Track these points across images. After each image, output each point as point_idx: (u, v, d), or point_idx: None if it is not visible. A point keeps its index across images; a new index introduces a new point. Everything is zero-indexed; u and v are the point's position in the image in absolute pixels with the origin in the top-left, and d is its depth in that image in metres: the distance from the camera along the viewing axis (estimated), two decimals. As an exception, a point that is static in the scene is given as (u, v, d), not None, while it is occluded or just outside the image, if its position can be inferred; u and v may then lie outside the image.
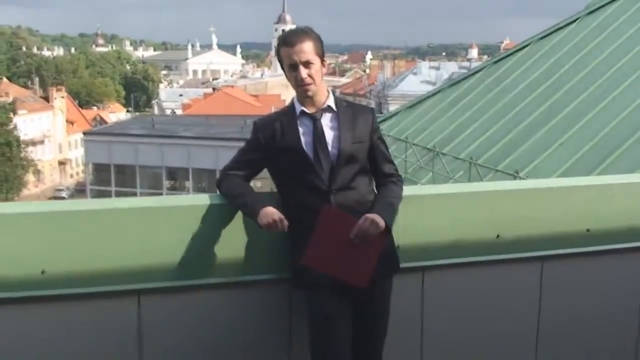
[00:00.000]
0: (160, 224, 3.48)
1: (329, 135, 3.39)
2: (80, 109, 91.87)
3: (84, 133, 67.23)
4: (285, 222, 3.28)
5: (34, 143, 72.92)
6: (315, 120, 3.40)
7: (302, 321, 3.54)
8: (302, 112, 3.42)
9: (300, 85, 3.36)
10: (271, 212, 3.29)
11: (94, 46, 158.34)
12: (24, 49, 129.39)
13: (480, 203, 3.94)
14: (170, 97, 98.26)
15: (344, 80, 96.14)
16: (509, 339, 4.08)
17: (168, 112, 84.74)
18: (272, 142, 3.42)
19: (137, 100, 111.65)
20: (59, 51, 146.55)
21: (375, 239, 3.28)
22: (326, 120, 3.41)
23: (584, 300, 4.17)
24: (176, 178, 58.93)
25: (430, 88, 52.99)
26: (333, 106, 3.44)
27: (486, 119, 11.00)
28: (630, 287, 4.29)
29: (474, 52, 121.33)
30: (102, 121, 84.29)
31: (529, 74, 11.48)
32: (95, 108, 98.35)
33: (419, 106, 12.58)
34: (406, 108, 13.11)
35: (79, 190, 69.01)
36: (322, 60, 3.39)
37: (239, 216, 3.50)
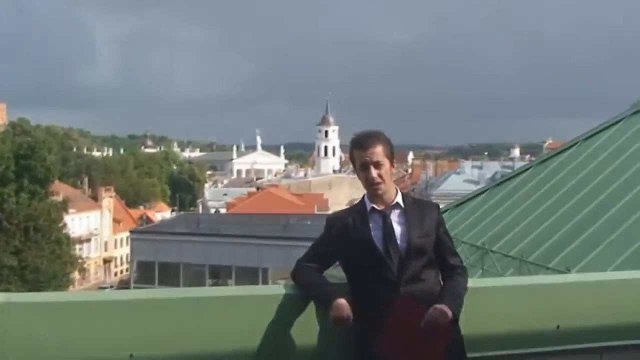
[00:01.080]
0: (238, 312, 3.71)
1: (398, 230, 3.63)
2: (127, 208, 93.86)
3: (131, 231, 68.49)
4: (351, 319, 3.50)
5: (81, 241, 74.31)
6: (385, 216, 3.65)
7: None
8: (373, 208, 3.68)
9: (370, 185, 3.64)
10: (343, 307, 3.50)
11: (142, 147, 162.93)
12: (74, 149, 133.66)
13: (540, 295, 4.12)
14: (215, 196, 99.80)
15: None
16: None
17: (212, 211, 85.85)
18: (344, 236, 3.67)
19: (182, 200, 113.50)
20: (109, 152, 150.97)
21: (444, 328, 3.47)
22: (395, 216, 3.67)
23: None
24: (219, 276, 59.17)
25: (473, 187, 53.08)
26: (401, 203, 3.69)
27: (535, 217, 11.15)
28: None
29: (516, 152, 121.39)
30: (148, 220, 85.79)
31: (576, 173, 11.68)
32: (141, 207, 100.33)
33: (466, 205, 12.81)
34: (453, 206, 13.33)
35: (121, 289, 69.65)
36: (392, 162, 3.68)
37: (311, 306, 3.73)
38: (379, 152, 3.62)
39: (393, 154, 3.70)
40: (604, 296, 4.24)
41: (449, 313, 3.46)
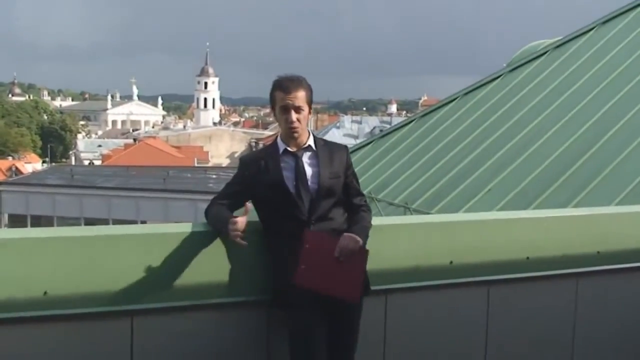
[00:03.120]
0: (152, 250, 3.79)
1: (309, 171, 3.82)
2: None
3: (0, 183, 65.38)
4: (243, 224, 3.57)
5: (-56, 193, 70.28)
6: (297, 158, 3.82)
7: (279, 339, 3.90)
8: (285, 150, 3.84)
9: (289, 127, 3.78)
10: (236, 220, 3.59)
11: (10, 95, 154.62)
12: None
13: (436, 232, 4.43)
14: (89, 147, 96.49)
15: (267, 132, 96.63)
16: (462, 357, 4.54)
17: (86, 162, 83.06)
18: (256, 177, 3.82)
19: (53, 151, 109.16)
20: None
21: (358, 257, 3.70)
22: (306, 158, 3.84)
23: (526, 320, 4.68)
24: (95, 229, 57.48)
25: (353, 141, 54.13)
26: (313, 145, 3.87)
27: (418, 168, 11.64)
28: (562, 310, 4.84)
29: (393, 108, 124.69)
30: (18, 171, 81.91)
31: (456, 126, 12.25)
32: (10, 158, 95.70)
33: (352, 155, 13.12)
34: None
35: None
36: (310, 108, 3.85)
37: (224, 242, 3.86)
38: (301, 96, 3.76)
39: (312, 101, 3.86)
40: (491, 234, 4.61)
41: (359, 239, 3.69)
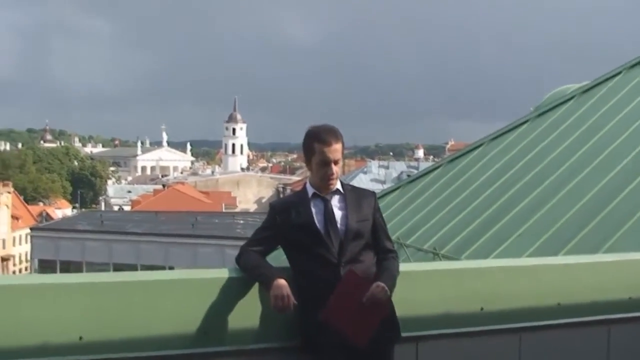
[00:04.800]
0: (184, 295, 3.86)
1: (338, 214, 3.88)
2: (26, 204, 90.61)
3: (31, 228, 66.10)
4: (292, 300, 3.70)
5: (-24, 238, 71.26)
6: (326, 201, 3.88)
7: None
8: (315, 194, 3.90)
9: (327, 180, 3.85)
10: (282, 286, 3.70)
11: (42, 142, 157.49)
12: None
13: (466, 278, 4.43)
14: (118, 193, 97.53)
15: (294, 178, 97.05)
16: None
17: (115, 208, 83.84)
18: (287, 221, 3.88)
19: (83, 197, 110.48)
20: (6, 146, 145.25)
21: (381, 306, 3.72)
22: (335, 202, 3.91)
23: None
24: (124, 275, 57.67)
25: (380, 186, 54.10)
26: (341, 189, 3.93)
27: (446, 213, 11.60)
28: (595, 357, 4.78)
29: (420, 152, 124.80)
30: (48, 217, 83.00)
31: (484, 171, 12.23)
32: (41, 204, 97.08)
33: (380, 200, 13.12)
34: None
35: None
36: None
37: (254, 288, 3.91)
38: (339, 149, 3.85)
39: None
40: (521, 280, 4.60)
41: (388, 291, 3.72)
